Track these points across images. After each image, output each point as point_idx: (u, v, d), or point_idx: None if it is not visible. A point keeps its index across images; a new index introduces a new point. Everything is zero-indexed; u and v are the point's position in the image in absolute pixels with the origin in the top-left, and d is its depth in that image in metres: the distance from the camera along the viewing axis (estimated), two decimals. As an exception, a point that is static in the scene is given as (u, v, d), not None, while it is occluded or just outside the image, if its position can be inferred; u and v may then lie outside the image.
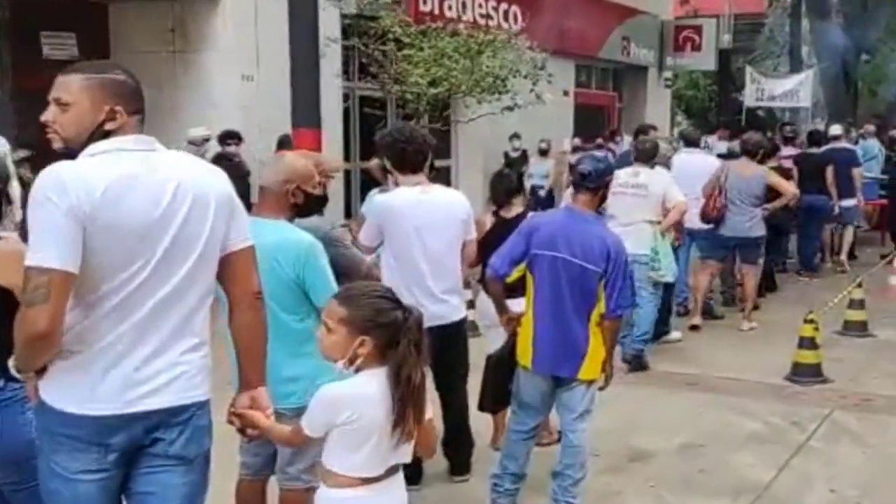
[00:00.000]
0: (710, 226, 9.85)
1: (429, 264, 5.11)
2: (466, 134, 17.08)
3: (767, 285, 11.83)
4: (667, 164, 9.33)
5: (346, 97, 13.81)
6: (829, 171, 12.85)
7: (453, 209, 5.24)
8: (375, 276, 4.74)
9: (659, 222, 8.35)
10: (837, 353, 8.60)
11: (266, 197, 4.05)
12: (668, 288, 8.83)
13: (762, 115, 24.11)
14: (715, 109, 20.33)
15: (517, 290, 5.02)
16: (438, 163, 16.89)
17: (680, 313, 10.27)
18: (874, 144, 15.27)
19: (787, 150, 13.66)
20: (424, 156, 5.21)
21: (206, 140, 11.07)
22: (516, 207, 5.89)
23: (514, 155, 16.30)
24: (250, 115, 11.90)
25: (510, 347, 5.05)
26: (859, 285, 9.45)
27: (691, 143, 11.16)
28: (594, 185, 4.89)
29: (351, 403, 2.98)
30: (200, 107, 11.86)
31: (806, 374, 7.68)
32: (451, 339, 5.20)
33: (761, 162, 11.01)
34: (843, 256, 13.86)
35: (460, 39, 9.62)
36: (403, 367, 2.99)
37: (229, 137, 11.35)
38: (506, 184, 5.98)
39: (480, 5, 16.29)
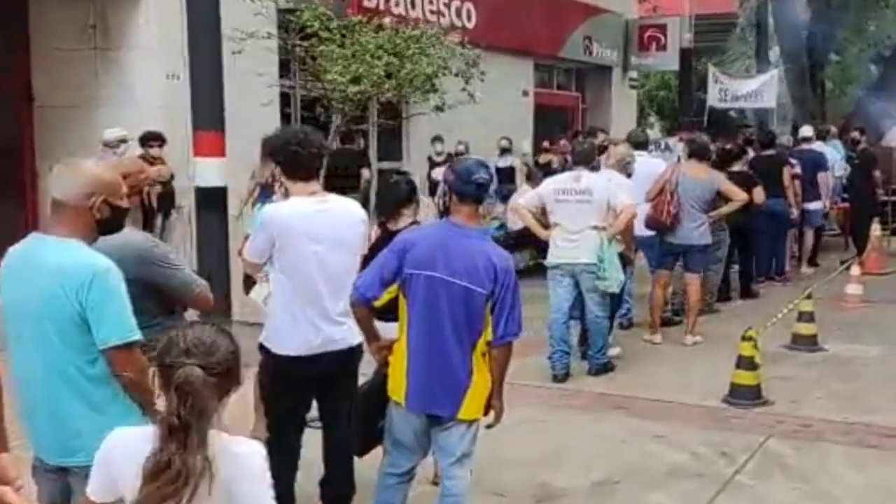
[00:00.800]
0: (653, 233, 9.28)
1: (327, 283, 4.45)
2: (417, 135, 16.49)
3: (746, 290, 11.56)
4: (626, 170, 8.77)
5: (286, 99, 13.16)
6: (786, 173, 12.28)
7: (353, 221, 4.59)
8: (207, 299, 4.08)
9: (605, 228, 7.82)
10: (783, 369, 8.01)
11: (61, 212, 3.36)
12: (612, 298, 8.25)
13: (734, 115, 23.58)
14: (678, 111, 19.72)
15: (391, 311, 4.37)
16: (388, 165, 16.57)
17: (623, 326, 9.70)
18: (836, 146, 14.69)
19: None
20: (320, 161, 4.55)
21: (123, 142, 10.36)
22: (405, 219, 5.23)
23: (438, 159, 14.85)
24: (175, 116, 11.20)
25: (381, 380, 4.41)
26: (808, 297, 8.83)
27: (638, 145, 10.55)
28: (485, 195, 4.27)
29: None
30: (122, 106, 11.15)
31: (744, 396, 7.06)
32: (345, 366, 4.58)
33: (726, 165, 10.51)
34: (805, 262, 13.36)
35: (385, 35, 8.95)
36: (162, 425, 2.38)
37: (151, 139, 10.64)
38: (395, 192, 5.32)
39: (431, 1, 15.64)
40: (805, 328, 8.78)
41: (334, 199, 4.62)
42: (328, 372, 4.53)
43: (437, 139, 14.64)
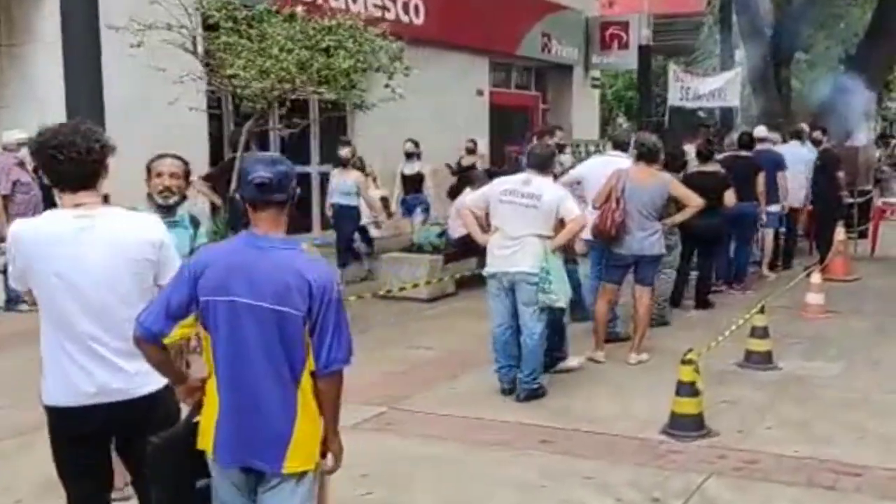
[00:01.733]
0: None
1: (92, 318, 3.54)
2: (365, 133, 15.65)
3: (702, 299, 10.80)
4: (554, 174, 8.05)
5: (216, 100, 12.29)
6: (761, 177, 11.52)
7: (127, 243, 3.64)
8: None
9: (550, 237, 7.07)
10: (732, 391, 7.20)
11: None
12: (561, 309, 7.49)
13: (703, 115, 22.77)
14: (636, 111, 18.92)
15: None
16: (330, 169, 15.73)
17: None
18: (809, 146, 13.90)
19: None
20: (93, 168, 3.62)
21: (23, 145, 9.46)
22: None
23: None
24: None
25: (191, 429, 3.53)
26: (761, 310, 8.02)
27: (618, 146, 9.75)
28: (281, 196, 3.40)
29: None
30: (26, 105, 10.27)
31: (684, 426, 6.21)
32: (137, 421, 3.66)
33: (680, 167, 9.84)
34: (765, 267, 12.61)
35: (297, 26, 8.07)
36: None
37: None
38: (238, 205, 4.43)
39: (376, -4, 14.79)
40: (757, 344, 7.96)
41: (107, 214, 3.63)
42: (112, 428, 3.67)
43: (345, 142, 12.81)
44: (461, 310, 10.37)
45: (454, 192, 14.34)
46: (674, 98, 17.98)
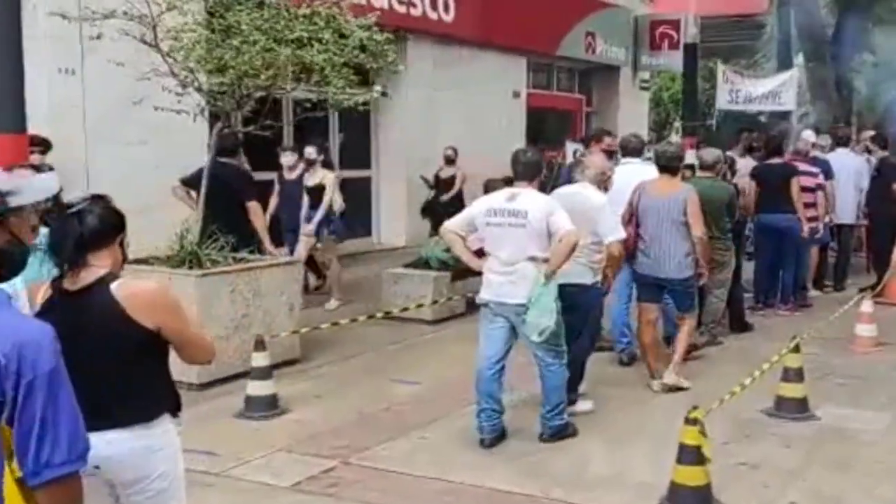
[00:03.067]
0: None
1: None
2: (388, 139, 14.59)
3: (738, 322, 9.61)
4: (604, 185, 6.92)
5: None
6: (794, 185, 10.25)
7: None
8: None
9: (547, 260, 5.97)
10: (754, 450, 5.99)
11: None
12: (577, 340, 6.53)
13: (765, 120, 21.26)
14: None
15: None
16: (358, 173, 14.67)
17: (623, 362, 8.19)
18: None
19: (741, 162, 11.11)
20: None
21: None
22: (96, 270, 3.25)
23: (290, 176, 10.68)
24: (71, 117, 9.41)
25: None
26: (796, 348, 6.73)
27: (630, 152, 8.64)
28: None
29: None
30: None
31: (686, 500, 5.02)
32: None
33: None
34: (809, 283, 11.28)
35: (266, 14, 7.00)
36: None
37: (32, 144, 8.79)
38: (69, 232, 3.29)
39: (399, -10, 13.69)
40: (790, 389, 6.69)
41: None
42: None
43: (288, 149, 10.87)
44: (468, 333, 9.15)
45: (430, 209, 13.27)
46: (722, 101, 16.59)
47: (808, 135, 11.48)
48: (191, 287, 7.06)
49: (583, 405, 6.83)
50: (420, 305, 9.25)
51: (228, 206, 8.06)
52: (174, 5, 7.00)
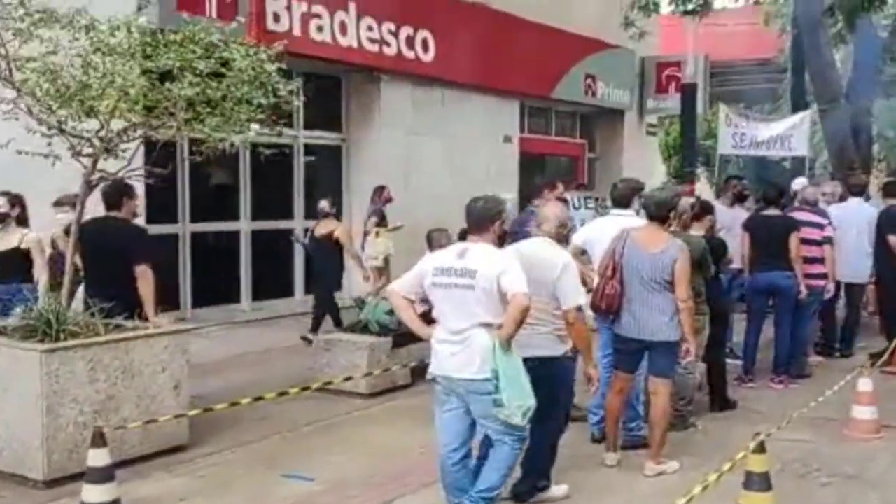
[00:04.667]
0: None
1: None
2: (361, 185, 13.30)
3: (719, 398, 8.10)
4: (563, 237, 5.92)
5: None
6: (793, 240, 8.85)
7: None
8: None
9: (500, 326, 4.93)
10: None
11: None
12: (545, 422, 5.43)
13: (788, 167, 19.68)
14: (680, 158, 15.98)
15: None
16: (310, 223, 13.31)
17: (595, 438, 6.88)
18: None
19: (729, 213, 9.71)
20: None
21: None
22: None
23: None
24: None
25: None
26: (760, 447, 5.23)
27: (619, 203, 7.33)
28: None
29: None
30: None
31: None
32: None
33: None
34: (809, 348, 9.77)
35: (128, 38, 5.73)
36: None
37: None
38: None
39: (370, 28, 12.48)
40: (755, 500, 5.22)
41: None
42: None
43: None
44: (404, 410, 7.86)
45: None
46: (724, 145, 15.10)
47: (800, 182, 10.03)
48: (34, 364, 5.77)
49: (557, 490, 5.79)
50: (348, 378, 7.89)
51: (113, 268, 6.79)
52: (25, 31, 5.75)
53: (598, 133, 18.94)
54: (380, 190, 11.89)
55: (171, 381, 6.56)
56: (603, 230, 6.78)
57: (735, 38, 25.83)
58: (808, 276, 9.14)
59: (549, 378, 5.38)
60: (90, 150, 6.13)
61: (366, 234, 11.51)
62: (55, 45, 5.80)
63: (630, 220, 6.64)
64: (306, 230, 11.36)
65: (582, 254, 6.94)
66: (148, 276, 6.83)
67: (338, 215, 11.21)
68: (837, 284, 9.73)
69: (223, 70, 5.99)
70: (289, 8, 11.32)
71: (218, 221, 11.14)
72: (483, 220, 5.17)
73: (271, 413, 7.48)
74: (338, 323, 10.47)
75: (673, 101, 18.43)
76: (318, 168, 13.09)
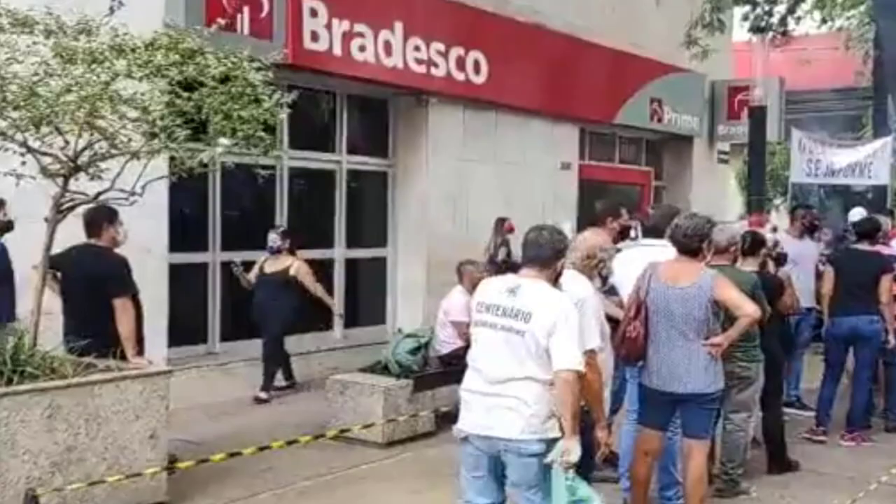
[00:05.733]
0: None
1: None
2: (407, 215, 12.46)
3: (776, 459, 6.99)
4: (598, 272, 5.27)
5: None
6: (886, 281, 7.74)
7: None
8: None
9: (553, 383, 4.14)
10: None
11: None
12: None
13: (870, 196, 18.27)
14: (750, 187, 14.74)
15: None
16: (371, 252, 12.53)
17: None
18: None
19: (798, 246, 8.61)
20: None
21: None
22: None
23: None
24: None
25: None
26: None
27: (652, 232, 6.41)
28: None
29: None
30: None
31: None
32: None
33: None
34: (879, 401, 8.58)
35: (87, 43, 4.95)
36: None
37: None
38: None
39: (417, 48, 11.66)
40: None
41: None
42: None
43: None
44: (421, 465, 6.93)
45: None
46: (798, 173, 13.83)
47: (858, 213, 8.87)
48: (-22, 411, 5.02)
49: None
50: (370, 425, 7.01)
51: (91, 301, 6.04)
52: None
53: (665, 160, 17.79)
54: (501, 221, 11.11)
55: (145, 431, 5.75)
56: (633, 263, 5.79)
57: (816, 65, 24.50)
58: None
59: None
60: (58, 169, 5.36)
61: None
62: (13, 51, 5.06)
63: (664, 251, 5.64)
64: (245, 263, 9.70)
65: (610, 292, 5.98)
66: (128, 311, 6.07)
67: (292, 249, 9.62)
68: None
69: (202, 79, 5.18)
70: (329, 26, 10.55)
71: (251, 251, 10.37)
72: (547, 253, 4.35)
73: (277, 463, 6.66)
74: (289, 376, 9.49)
75: (745, 128, 17.10)
76: (362, 195, 12.27)
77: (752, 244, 6.76)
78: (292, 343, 10.47)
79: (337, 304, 10.99)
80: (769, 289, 6.39)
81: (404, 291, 12.35)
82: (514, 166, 13.40)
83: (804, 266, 8.51)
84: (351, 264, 12.01)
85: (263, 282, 9.30)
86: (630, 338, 5.32)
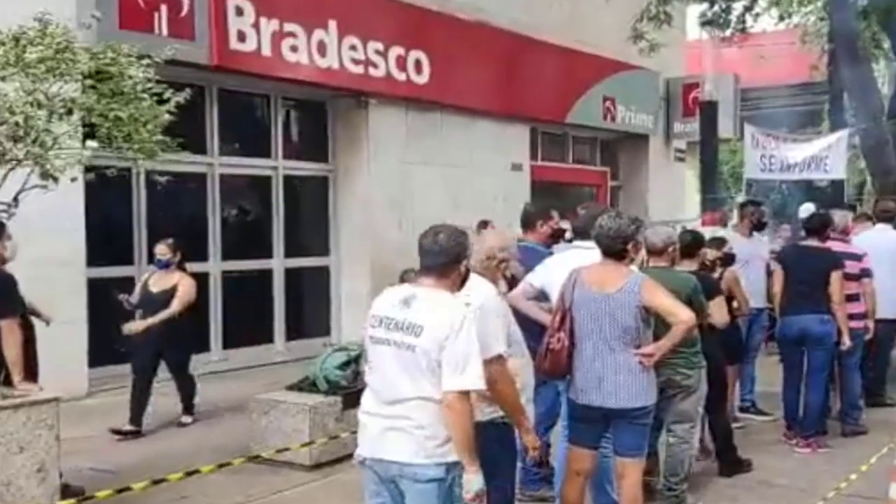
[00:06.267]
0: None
1: None
2: (350, 221, 11.98)
3: (726, 460, 6.63)
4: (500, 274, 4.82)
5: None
6: (836, 279, 7.30)
7: None
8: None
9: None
10: None
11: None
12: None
13: (828, 190, 17.91)
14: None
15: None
16: (313, 261, 11.94)
17: None
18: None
19: (747, 244, 8.22)
20: None
21: None
22: None
23: None
24: None
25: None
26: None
27: (579, 233, 5.94)
28: None
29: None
30: None
31: None
32: None
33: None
34: (861, 403, 8.13)
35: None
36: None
37: None
38: None
39: (353, 47, 11.18)
40: None
41: None
42: None
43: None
44: (356, 487, 6.36)
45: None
46: (752, 169, 13.44)
47: (807, 209, 8.46)
48: None
49: None
50: (287, 449, 6.51)
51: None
52: None
53: (621, 160, 17.44)
54: (483, 224, 10.37)
55: (32, 464, 5.21)
56: (564, 266, 5.30)
57: (775, 61, 24.27)
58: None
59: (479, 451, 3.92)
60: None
61: None
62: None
63: (595, 253, 5.18)
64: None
65: (542, 298, 5.51)
66: (14, 332, 5.53)
67: (182, 264, 8.23)
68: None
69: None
70: (256, 25, 10.06)
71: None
72: (443, 260, 3.85)
73: (192, 492, 6.14)
74: (190, 402, 8.34)
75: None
76: (301, 201, 11.78)
77: (690, 245, 6.33)
78: (234, 358, 9.92)
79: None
80: (707, 291, 5.96)
81: (349, 301, 11.87)
82: (461, 168, 12.97)
83: (754, 265, 8.08)
84: (292, 274, 11.51)
85: (149, 301, 7.99)
86: (554, 350, 4.86)
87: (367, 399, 3.94)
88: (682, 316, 4.72)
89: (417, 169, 12.34)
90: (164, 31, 9.09)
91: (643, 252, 5.23)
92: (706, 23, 14.70)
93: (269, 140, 11.24)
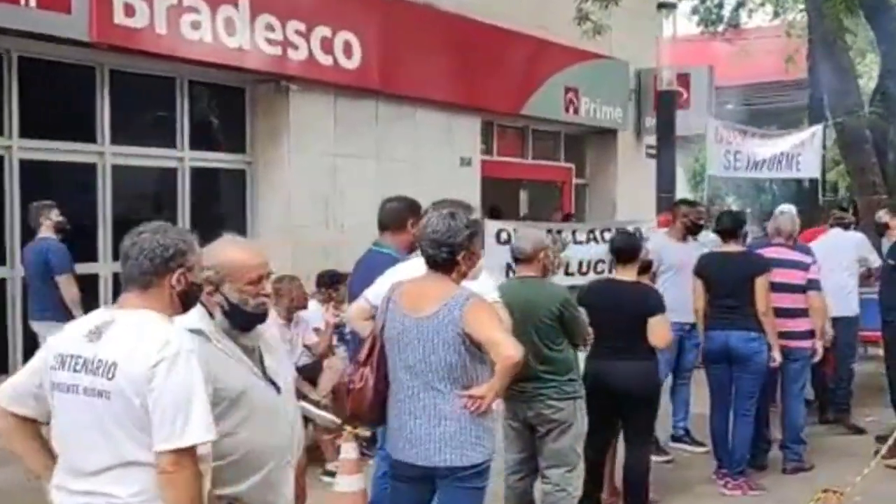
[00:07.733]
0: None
1: None
2: (269, 217, 10.84)
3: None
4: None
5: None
6: (761, 287, 6.20)
7: None
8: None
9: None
10: None
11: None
12: None
13: (805, 187, 16.57)
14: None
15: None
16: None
17: None
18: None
19: (679, 250, 7.10)
20: None
21: None
22: None
23: None
24: None
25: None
26: None
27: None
28: None
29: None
30: None
31: None
32: None
33: None
34: (803, 435, 6.98)
35: None
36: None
37: None
38: None
39: (270, 27, 10.02)
40: None
41: None
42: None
43: None
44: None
45: None
46: (716, 165, 12.23)
47: (785, 210, 7.25)
48: None
49: None
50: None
51: None
52: None
53: (588, 156, 16.23)
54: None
55: None
56: (400, 278, 4.15)
57: (764, 56, 23.09)
58: (788, 335, 6.49)
59: None
60: None
61: None
62: None
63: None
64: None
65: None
66: None
67: None
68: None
69: None
70: (148, -1, 8.91)
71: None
72: (146, 266, 2.92)
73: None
74: None
75: (679, 119, 15.57)
76: (213, 196, 10.64)
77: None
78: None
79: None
80: (649, 306, 4.84)
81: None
82: (402, 163, 11.80)
83: (685, 274, 6.92)
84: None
85: None
86: (356, 389, 3.72)
87: (57, 471, 2.83)
88: (505, 350, 3.56)
89: (349, 162, 11.20)
90: (32, 2, 7.94)
91: (481, 263, 4.06)
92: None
93: (174, 128, 10.07)
